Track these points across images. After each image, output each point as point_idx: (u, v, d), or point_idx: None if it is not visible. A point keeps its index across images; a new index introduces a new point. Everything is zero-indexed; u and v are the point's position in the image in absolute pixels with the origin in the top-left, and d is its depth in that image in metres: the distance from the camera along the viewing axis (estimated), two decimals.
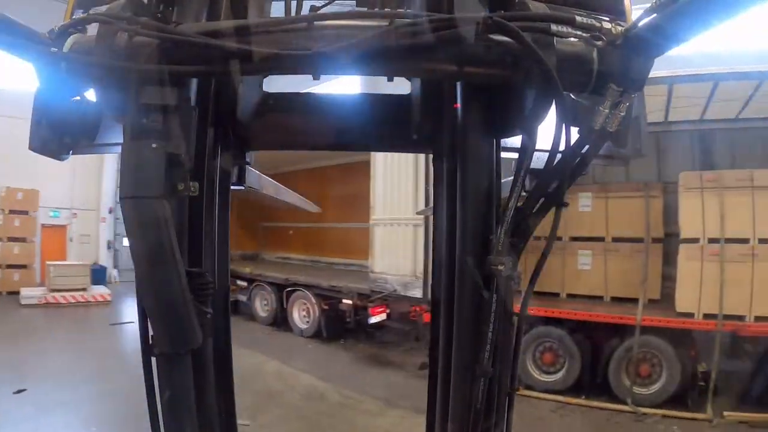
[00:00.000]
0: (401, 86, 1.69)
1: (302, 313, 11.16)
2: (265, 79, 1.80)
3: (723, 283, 6.60)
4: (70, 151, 1.64)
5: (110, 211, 19.67)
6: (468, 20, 1.13)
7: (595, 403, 7.04)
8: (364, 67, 1.15)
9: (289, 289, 11.30)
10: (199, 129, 1.43)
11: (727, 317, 6.55)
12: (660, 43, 1.16)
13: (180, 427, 1.48)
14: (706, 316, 6.74)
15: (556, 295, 8.11)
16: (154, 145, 1.16)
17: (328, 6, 1.70)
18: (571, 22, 1.21)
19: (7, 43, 1.14)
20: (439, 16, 1.17)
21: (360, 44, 1.09)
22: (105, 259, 19.31)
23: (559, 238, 7.62)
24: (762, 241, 6.63)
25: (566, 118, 1.22)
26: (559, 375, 7.47)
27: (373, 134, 1.80)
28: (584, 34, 1.24)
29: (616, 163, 1.91)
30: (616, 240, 7.98)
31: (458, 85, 1.43)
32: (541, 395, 7.38)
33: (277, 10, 1.86)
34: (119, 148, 1.28)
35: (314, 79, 1.20)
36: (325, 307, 10.44)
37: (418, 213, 8.47)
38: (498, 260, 1.26)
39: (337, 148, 1.91)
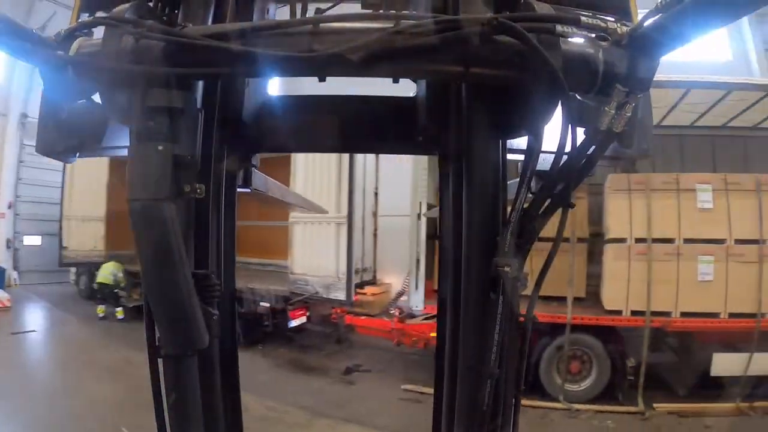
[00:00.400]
0: (406, 87, 1.69)
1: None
2: (271, 81, 1.81)
3: (650, 281, 6.90)
4: (77, 154, 1.66)
5: (10, 206, 17.29)
6: (473, 21, 1.13)
7: (528, 402, 6.92)
8: (370, 68, 1.15)
9: None
10: (205, 131, 1.43)
11: (654, 314, 6.89)
12: (666, 43, 1.16)
13: (186, 428, 1.49)
14: (634, 312, 7.05)
15: None
16: (160, 148, 1.16)
17: (334, 8, 1.70)
18: (576, 23, 1.20)
19: (13, 46, 1.14)
20: (444, 18, 1.17)
21: (365, 46, 1.09)
22: (4, 259, 16.70)
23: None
24: (687, 240, 6.98)
25: (572, 118, 1.22)
26: None
27: (378, 136, 1.80)
28: (590, 35, 1.24)
29: (623, 164, 1.91)
30: (542, 240, 7.67)
31: (464, 86, 1.43)
32: None
33: (282, 13, 1.86)
34: (125, 151, 1.29)
35: (320, 81, 1.19)
36: (242, 311, 9.33)
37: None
38: (504, 261, 1.25)
39: (342, 150, 1.93)
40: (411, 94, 1.78)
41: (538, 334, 7.17)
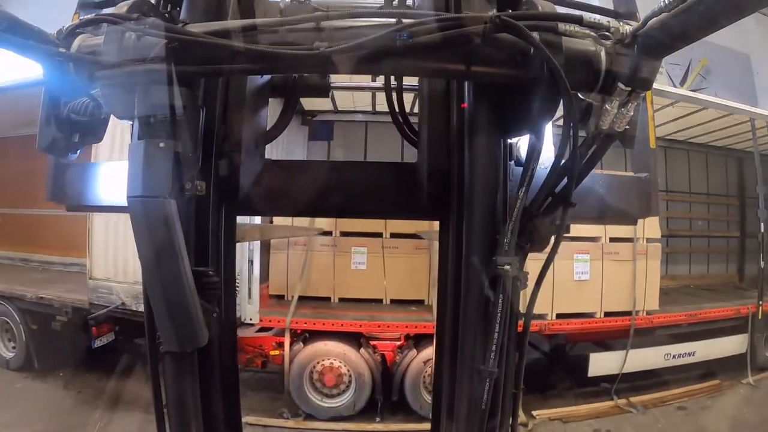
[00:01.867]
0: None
1: (5, 336, 7.54)
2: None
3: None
4: (78, 151, 1.66)
5: None
6: (475, 20, 1.13)
7: (394, 426, 5.97)
8: (372, 66, 1.15)
9: None
10: (206, 128, 1.43)
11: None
12: (668, 43, 1.15)
13: (185, 424, 1.49)
14: None
15: (327, 299, 6.87)
16: (162, 144, 1.16)
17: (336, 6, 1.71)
18: (578, 21, 1.20)
19: (17, 44, 1.14)
20: (447, 16, 1.17)
21: (367, 44, 1.09)
22: None
23: (329, 233, 6.82)
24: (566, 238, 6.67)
25: (574, 117, 1.21)
26: (346, 398, 6.03)
27: (381, 201, 1.83)
28: (592, 33, 1.23)
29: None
30: (394, 236, 6.94)
31: (466, 84, 1.43)
32: (327, 425, 5.96)
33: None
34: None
35: (321, 78, 1.19)
36: (34, 327, 7.24)
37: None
38: (504, 260, 1.25)
39: (346, 215, 1.95)
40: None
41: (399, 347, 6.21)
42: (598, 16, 1.27)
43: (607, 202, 1.81)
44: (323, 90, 2.03)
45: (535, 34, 1.14)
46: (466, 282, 1.38)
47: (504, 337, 1.31)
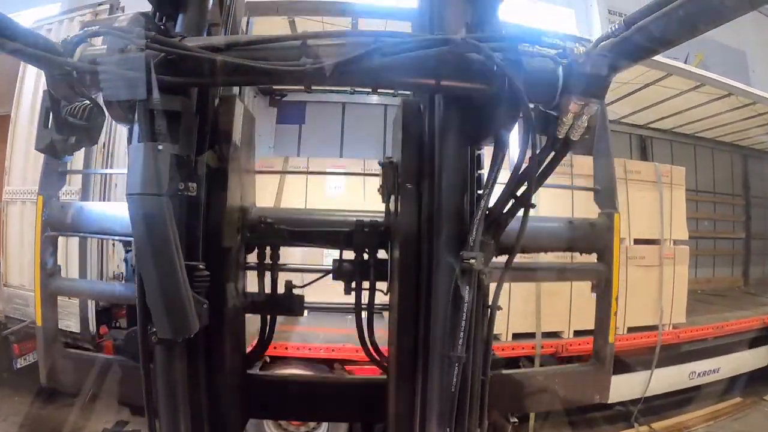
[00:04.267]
0: None
1: None
2: None
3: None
4: (74, 153, 1.75)
5: None
6: (445, 41, 1.27)
7: None
8: (352, 80, 1.28)
9: None
10: (200, 135, 1.55)
11: (545, 336, 5.06)
12: (616, 62, 1.31)
13: (174, 409, 1.60)
14: (516, 336, 5.38)
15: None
16: (160, 147, 1.28)
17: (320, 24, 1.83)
18: (537, 42, 1.35)
19: (29, 54, 1.24)
20: (419, 37, 1.31)
21: (348, 61, 1.22)
22: None
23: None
24: None
25: (532, 127, 1.36)
26: None
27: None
28: (551, 53, 1.38)
29: None
30: None
31: (436, 97, 1.57)
32: None
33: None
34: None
35: (306, 91, 1.31)
36: None
37: None
38: (470, 255, 1.39)
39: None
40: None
41: None
42: (557, 39, 1.42)
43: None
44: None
45: (499, 54, 1.29)
46: (437, 274, 1.51)
47: (471, 325, 1.44)
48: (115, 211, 2.31)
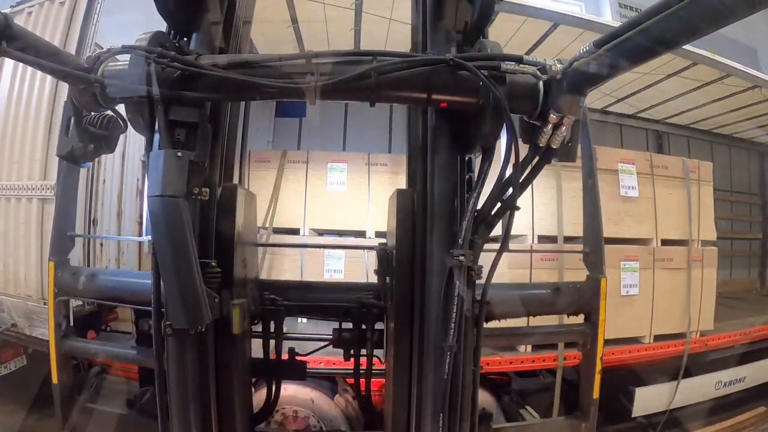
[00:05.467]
0: None
1: None
2: None
3: None
4: (92, 160, 1.88)
5: None
6: (436, 61, 1.43)
7: None
8: (353, 95, 1.44)
9: None
10: (212, 143, 1.69)
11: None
12: (590, 79, 1.46)
13: (185, 396, 1.71)
14: None
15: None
16: (179, 154, 1.41)
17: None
18: (519, 60, 1.50)
19: (58, 71, 1.38)
20: (413, 57, 1.47)
21: (350, 79, 1.37)
22: None
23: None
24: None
25: (515, 137, 1.51)
26: None
27: None
28: (531, 70, 1.53)
29: None
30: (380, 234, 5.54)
31: (429, 110, 1.72)
32: None
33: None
34: None
35: (311, 104, 1.46)
36: None
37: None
38: (459, 253, 1.53)
39: None
40: None
41: None
42: (537, 58, 1.58)
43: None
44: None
45: (484, 71, 1.44)
46: (430, 271, 1.65)
47: (461, 318, 1.57)
48: (124, 279, 2.45)
